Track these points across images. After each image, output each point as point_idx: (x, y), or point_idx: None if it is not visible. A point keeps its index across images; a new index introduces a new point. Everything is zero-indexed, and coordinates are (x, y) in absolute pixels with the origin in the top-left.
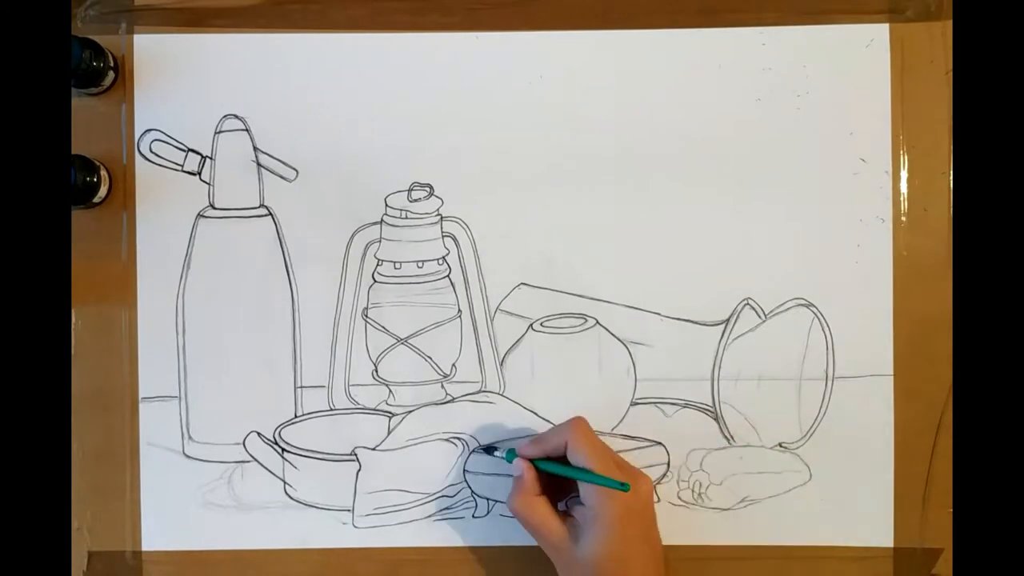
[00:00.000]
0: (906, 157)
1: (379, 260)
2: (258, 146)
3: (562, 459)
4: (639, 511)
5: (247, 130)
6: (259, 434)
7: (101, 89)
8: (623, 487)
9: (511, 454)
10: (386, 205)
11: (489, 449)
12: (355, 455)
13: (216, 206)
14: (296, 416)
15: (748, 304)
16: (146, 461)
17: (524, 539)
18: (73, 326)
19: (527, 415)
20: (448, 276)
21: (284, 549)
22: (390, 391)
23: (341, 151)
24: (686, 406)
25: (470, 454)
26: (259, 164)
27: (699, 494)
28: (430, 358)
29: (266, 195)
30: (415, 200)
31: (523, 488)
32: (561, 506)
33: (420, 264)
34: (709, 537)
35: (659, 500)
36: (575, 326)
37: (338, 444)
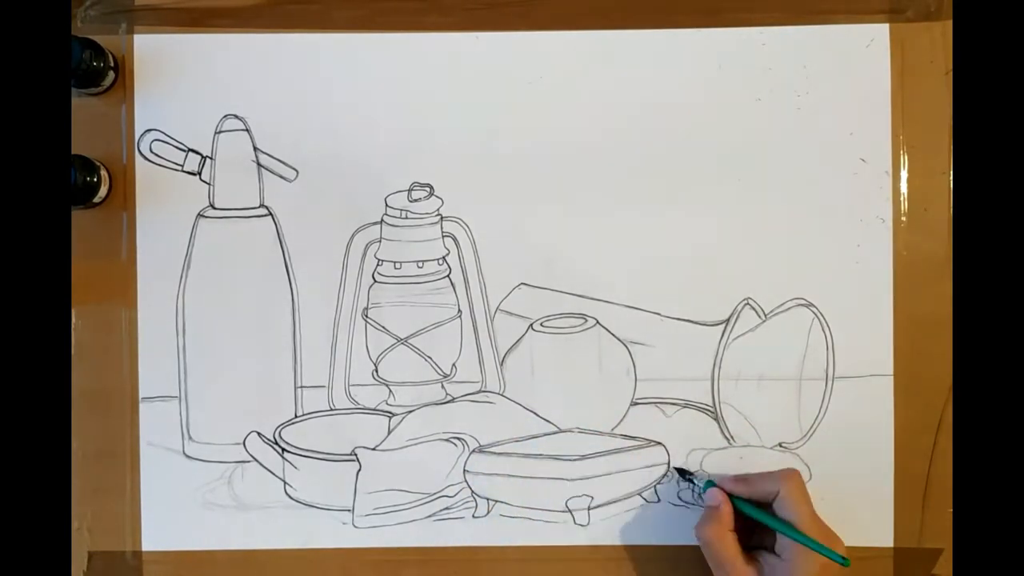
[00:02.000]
0: (906, 157)
1: (379, 260)
2: (258, 146)
3: (760, 505)
4: (835, 574)
5: (247, 130)
6: (259, 434)
7: (101, 89)
8: (844, 562)
9: (708, 484)
10: (386, 205)
11: (684, 473)
12: (355, 455)
13: (216, 206)
14: (296, 416)
15: (748, 304)
16: (146, 461)
17: (524, 539)
18: (73, 326)
19: (527, 415)
20: (448, 276)
21: (284, 549)
22: (390, 391)
23: (341, 151)
24: (686, 406)
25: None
26: (259, 164)
27: (699, 494)
28: (430, 358)
29: (266, 195)
30: (415, 200)
31: (719, 520)
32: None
33: (420, 264)
34: None
35: (659, 500)
36: (575, 326)
37: (338, 444)
